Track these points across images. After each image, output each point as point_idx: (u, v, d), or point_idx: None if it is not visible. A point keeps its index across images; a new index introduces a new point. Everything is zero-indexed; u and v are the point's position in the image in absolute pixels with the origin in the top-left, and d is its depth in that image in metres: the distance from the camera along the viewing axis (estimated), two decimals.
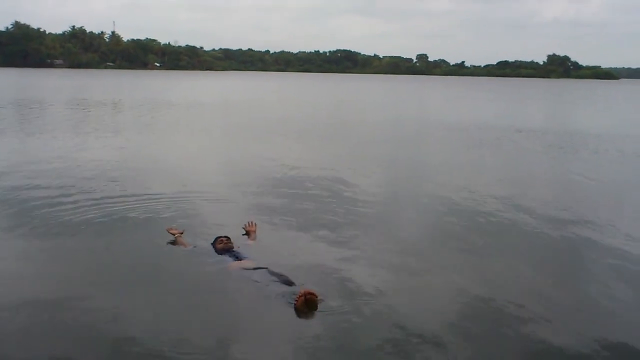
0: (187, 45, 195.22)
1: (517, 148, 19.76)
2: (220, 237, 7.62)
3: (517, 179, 13.94)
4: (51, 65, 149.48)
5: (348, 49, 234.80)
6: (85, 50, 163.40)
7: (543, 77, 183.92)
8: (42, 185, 11.34)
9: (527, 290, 6.75)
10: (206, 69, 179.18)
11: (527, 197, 11.77)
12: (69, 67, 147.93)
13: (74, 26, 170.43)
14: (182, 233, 7.95)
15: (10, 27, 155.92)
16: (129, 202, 10.22)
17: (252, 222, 8.50)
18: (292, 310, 5.80)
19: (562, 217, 10.07)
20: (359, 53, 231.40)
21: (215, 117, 29.93)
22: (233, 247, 7.43)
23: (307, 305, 5.80)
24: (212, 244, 7.60)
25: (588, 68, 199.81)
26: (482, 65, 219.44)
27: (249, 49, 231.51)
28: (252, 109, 35.45)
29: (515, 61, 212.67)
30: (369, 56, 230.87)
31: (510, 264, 7.77)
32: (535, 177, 14.38)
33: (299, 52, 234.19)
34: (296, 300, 5.81)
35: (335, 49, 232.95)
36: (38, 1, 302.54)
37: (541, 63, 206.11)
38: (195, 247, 7.67)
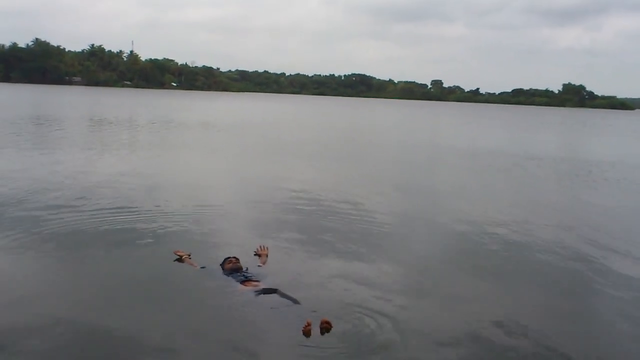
0: (203, 65, 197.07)
1: (529, 175, 19.67)
2: (230, 257, 7.62)
3: (529, 205, 13.86)
4: (69, 83, 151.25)
5: (363, 72, 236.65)
6: (104, 68, 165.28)
7: (558, 106, 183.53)
8: (55, 200, 11.41)
9: (537, 316, 6.72)
10: (222, 90, 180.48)
11: (538, 223, 11.70)
12: (86, 85, 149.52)
13: (93, 44, 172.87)
14: (189, 255, 7.96)
15: (30, 44, 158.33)
16: (140, 219, 10.27)
17: (264, 246, 8.50)
18: (301, 334, 5.77)
19: (574, 244, 10.03)
20: (374, 77, 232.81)
21: (229, 138, 30.06)
22: (242, 268, 7.42)
23: (321, 333, 5.81)
24: (221, 264, 7.60)
25: (603, 98, 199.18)
26: (497, 93, 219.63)
27: (264, 71, 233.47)
28: (266, 130, 35.58)
29: (530, 89, 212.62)
30: (384, 81, 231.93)
31: (521, 289, 7.75)
32: (547, 204, 14.26)
33: (314, 75, 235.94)
34: (305, 327, 5.78)
35: (350, 73, 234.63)
36: (58, 19, 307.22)
37: (556, 92, 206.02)
38: (203, 267, 7.67)
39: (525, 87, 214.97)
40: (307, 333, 5.76)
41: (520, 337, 6.14)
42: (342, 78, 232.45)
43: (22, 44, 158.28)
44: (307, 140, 30.38)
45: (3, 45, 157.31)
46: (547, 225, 11.56)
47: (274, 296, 6.55)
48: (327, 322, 5.87)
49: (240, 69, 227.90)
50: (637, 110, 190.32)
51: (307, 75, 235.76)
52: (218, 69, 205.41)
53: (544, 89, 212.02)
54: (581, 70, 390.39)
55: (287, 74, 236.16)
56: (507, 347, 5.94)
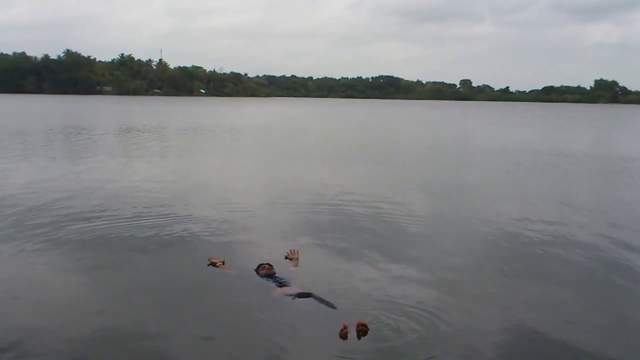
0: (231, 72, 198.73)
1: (563, 173, 19.35)
2: (263, 263, 7.60)
3: (563, 203, 13.55)
4: (100, 92, 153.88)
5: (390, 74, 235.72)
6: (133, 77, 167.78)
7: (590, 102, 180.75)
8: (88, 207, 11.51)
9: (572, 320, 6.56)
10: (250, 95, 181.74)
11: (574, 222, 11.43)
12: (117, 94, 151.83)
13: (122, 54, 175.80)
14: (223, 262, 7.96)
15: (61, 55, 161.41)
16: (172, 225, 10.33)
17: (294, 250, 8.46)
18: (338, 337, 5.71)
19: (611, 245, 9.73)
20: (402, 78, 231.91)
21: (257, 142, 30.13)
22: (275, 273, 7.38)
23: (357, 337, 5.75)
24: (255, 270, 7.57)
25: (637, 93, 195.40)
26: (527, 91, 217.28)
27: (292, 75, 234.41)
28: (294, 135, 35.62)
29: (561, 86, 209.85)
30: (412, 82, 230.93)
31: (557, 291, 7.55)
32: (582, 203, 13.93)
33: (342, 78, 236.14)
34: (341, 330, 5.72)
35: (377, 75, 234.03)
36: (88, 30, 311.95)
37: (588, 88, 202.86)
38: (238, 273, 7.64)
39: (557, 85, 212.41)
40: (343, 336, 5.72)
41: (557, 342, 5.98)
42: (370, 80, 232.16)
43: (53, 55, 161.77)
44: (336, 143, 30.33)
45: (35, 57, 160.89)
46: (582, 225, 11.28)
47: (309, 300, 6.51)
48: (364, 325, 5.82)
49: (267, 74, 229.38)
50: None
51: (335, 79, 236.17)
52: (246, 74, 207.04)
53: (576, 85, 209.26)
54: (613, 65, 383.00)
55: (314, 78, 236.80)
56: (544, 351, 5.80)
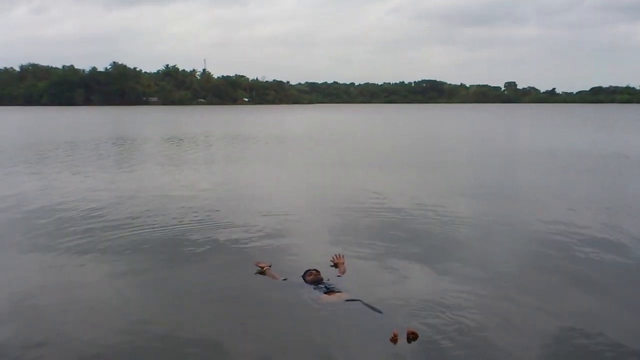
0: (274, 80, 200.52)
1: (613, 175, 18.84)
2: (310, 269, 7.59)
3: (615, 207, 13.17)
4: (146, 103, 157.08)
5: (433, 78, 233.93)
6: (178, 87, 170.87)
7: None
8: (137, 215, 11.71)
9: (623, 329, 6.32)
10: (293, 103, 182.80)
11: (621, 227, 11.02)
12: (162, 104, 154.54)
13: (167, 65, 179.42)
14: (270, 266, 7.98)
15: (108, 67, 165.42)
16: (218, 231, 10.45)
17: (340, 255, 8.44)
18: (387, 343, 5.67)
19: None
20: (445, 82, 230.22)
21: (302, 150, 30.21)
22: (323, 280, 7.37)
23: (408, 342, 5.71)
24: (302, 276, 7.56)
25: None
26: (574, 92, 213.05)
27: (334, 81, 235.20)
28: (337, 140, 35.63)
29: (610, 87, 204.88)
30: (456, 85, 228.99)
31: (604, 298, 7.32)
32: (631, 207, 13.47)
33: (384, 83, 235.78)
34: (392, 337, 5.69)
35: (420, 79, 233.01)
36: (134, 42, 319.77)
37: (638, 88, 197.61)
38: (285, 279, 7.65)
39: (605, 85, 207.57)
40: (394, 343, 5.65)
41: (605, 352, 5.80)
42: (412, 85, 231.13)
43: (100, 67, 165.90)
44: (379, 148, 30.19)
45: (83, 70, 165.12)
46: (632, 231, 10.82)
47: (358, 306, 6.46)
48: (414, 333, 5.77)
49: (309, 81, 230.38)
50: None
51: (377, 84, 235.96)
52: (288, 82, 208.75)
53: (625, 85, 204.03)
54: None
55: (356, 84, 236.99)
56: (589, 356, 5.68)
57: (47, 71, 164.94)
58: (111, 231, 10.48)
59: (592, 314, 6.68)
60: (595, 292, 7.47)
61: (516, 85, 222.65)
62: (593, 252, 9.26)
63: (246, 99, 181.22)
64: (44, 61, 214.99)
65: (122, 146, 30.77)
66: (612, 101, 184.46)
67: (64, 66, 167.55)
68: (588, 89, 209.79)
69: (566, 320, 6.47)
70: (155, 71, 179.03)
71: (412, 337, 5.75)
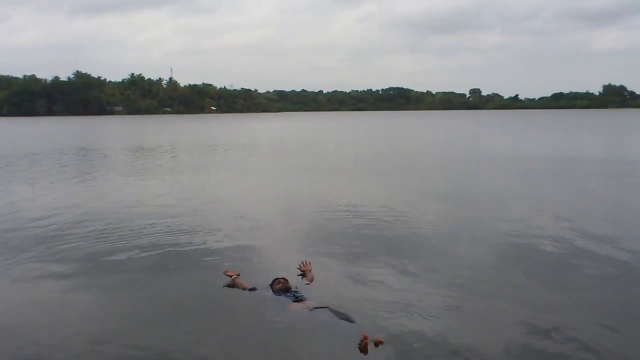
0: (242, 88, 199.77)
1: (575, 178, 19.26)
2: (278, 278, 7.55)
3: (577, 209, 13.43)
4: (111, 112, 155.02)
5: (400, 86, 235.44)
6: (144, 96, 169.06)
7: (600, 107, 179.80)
8: (101, 227, 11.53)
9: (589, 324, 6.48)
10: (261, 111, 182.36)
11: (585, 227, 11.30)
12: (128, 114, 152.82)
13: (132, 74, 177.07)
14: (238, 275, 7.92)
15: (71, 76, 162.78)
16: (186, 240, 10.37)
17: (307, 262, 8.41)
18: (356, 350, 5.67)
19: (626, 247, 9.65)
20: (412, 90, 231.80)
21: (270, 158, 30.20)
22: (291, 288, 7.34)
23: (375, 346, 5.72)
24: (270, 285, 7.52)
25: None
26: (537, 98, 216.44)
27: (302, 89, 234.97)
28: (306, 148, 35.67)
29: (570, 92, 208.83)
30: (422, 92, 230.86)
31: (567, 296, 7.51)
32: (593, 208, 13.85)
33: (352, 91, 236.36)
34: (361, 342, 5.68)
35: (387, 87, 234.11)
36: (98, 51, 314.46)
37: (597, 94, 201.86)
38: (253, 288, 7.60)
39: (565, 91, 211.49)
40: (363, 348, 5.67)
41: (572, 347, 5.93)
42: (380, 92, 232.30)
43: (63, 77, 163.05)
44: (347, 156, 30.32)
45: (45, 80, 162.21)
46: (595, 231, 11.11)
47: (326, 313, 6.44)
48: (380, 342, 5.78)
49: (277, 89, 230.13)
50: None
51: (345, 92, 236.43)
52: (256, 90, 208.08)
53: (585, 91, 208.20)
54: (621, 70, 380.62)
55: (324, 92, 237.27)
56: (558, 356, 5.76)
57: (7, 81, 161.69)
58: (74, 244, 10.30)
59: (556, 314, 6.75)
60: (559, 292, 7.59)
61: (481, 92, 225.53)
62: (556, 253, 9.46)
63: (214, 108, 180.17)
64: (4, 71, 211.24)
65: (85, 157, 30.34)
66: (573, 107, 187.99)
67: (24, 76, 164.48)
68: (549, 94, 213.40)
69: (531, 320, 6.54)
70: (120, 80, 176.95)
71: (377, 342, 5.75)
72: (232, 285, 7.78)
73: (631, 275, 8.32)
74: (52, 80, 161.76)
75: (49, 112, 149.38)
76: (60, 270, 8.80)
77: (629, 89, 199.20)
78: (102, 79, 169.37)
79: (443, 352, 5.77)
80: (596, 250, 9.58)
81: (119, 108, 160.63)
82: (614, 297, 7.49)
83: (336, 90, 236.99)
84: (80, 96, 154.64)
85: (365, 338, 5.66)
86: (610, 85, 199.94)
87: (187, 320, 6.77)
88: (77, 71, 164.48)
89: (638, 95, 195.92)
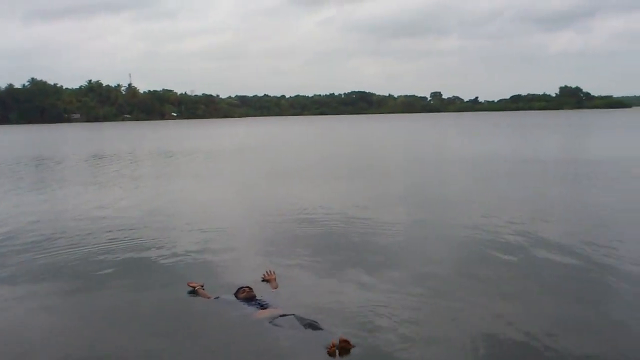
0: (203, 94, 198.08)
1: (534, 179, 19.57)
2: (243, 287, 7.49)
3: (535, 209, 13.70)
4: (68, 120, 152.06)
5: (363, 90, 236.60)
6: (102, 103, 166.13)
7: (556, 109, 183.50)
8: (60, 236, 11.30)
9: (548, 322, 6.64)
10: (223, 117, 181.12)
11: (546, 227, 11.62)
12: (86, 121, 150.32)
13: (90, 80, 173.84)
14: (202, 286, 7.83)
15: (26, 84, 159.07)
16: (149, 249, 10.24)
17: (271, 271, 8.35)
18: (325, 356, 5.67)
19: (586, 247, 9.88)
20: (374, 93, 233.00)
21: (231, 164, 30.02)
22: (256, 296, 7.27)
23: (341, 353, 5.69)
24: (234, 294, 7.45)
25: (600, 98, 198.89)
26: (496, 100, 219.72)
27: (264, 94, 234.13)
28: (269, 154, 35.58)
29: (528, 94, 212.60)
30: (384, 96, 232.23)
31: (531, 295, 7.68)
32: (553, 206, 14.22)
33: (315, 95, 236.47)
34: (330, 348, 5.68)
35: (350, 91, 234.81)
36: (55, 57, 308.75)
37: (553, 95, 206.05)
38: (217, 297, 7.51)
39: (523, 93, 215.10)
40: (332, 354, 5.67)
41: (532, 344, 6.04)
42: (343, 96, 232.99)
43: (18, 84, 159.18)
44: (311, 161, 30.29)
45: None
46: (557, 229, 11.45)
47: (292, 321, 6.39)
48: (345, 341, 5.76)
49: (239, 94, 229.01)
50: (634, 108, 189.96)
51: (307, 96, 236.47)
52: (218, 95, 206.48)
53: (542, 93, 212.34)
54: (577, 72, 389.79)
55: (287, 96, 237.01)
56: (518, 354, 5.89)
57: None
58: (32, 254, 10.10)
59: (515, 316, 6.83)
60: (516, 294, 7.70)
61: (441, 95, 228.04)
62: (514, 254, 9.61)
63: (174, 114, 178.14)
64: None
65: (41, 166, 29.70)
66: (531, 108, 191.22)
67: None
68: (508, 97, 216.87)
69: (491, 322, 6.64)
70: (78, 87, 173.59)
71: (343, 345, 5.73)
72: (195, 295, 7.68)
73: (585, 276, 8.49)
74: (6, 87, 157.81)
75: (4, 120, 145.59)
76: (15, 280, 8.64)
77: (584, 90, 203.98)
78: (58, 85, 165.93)
79: (410, 355, 5.79)
80: (552, 251, 9.78)
81: (77, 115, 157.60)
82: (567, 299, 7.62)
83: (299, 95, 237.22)
84: (36, 104, 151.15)
85: (334, 346, 5.67)
86: (566, 86, 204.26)
87: (150, 330, 6.67)
88: (33, 78, 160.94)
89: (593, 96, 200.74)
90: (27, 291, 8.23)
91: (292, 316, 6.52)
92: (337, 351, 5.67)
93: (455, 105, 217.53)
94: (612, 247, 9.87)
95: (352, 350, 5.75)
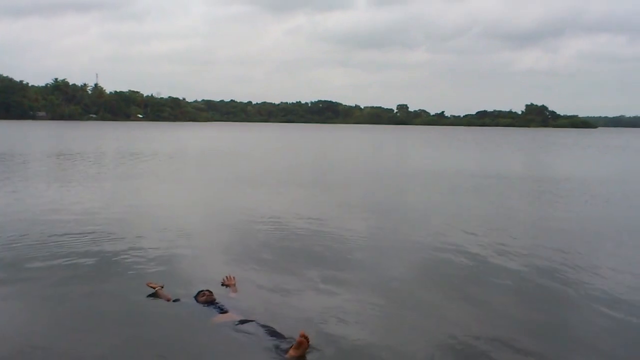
0: (169, 96, 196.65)
1: (496, 194, 19.86)
2: (203, 290, 7.47)
3: (497, 223, 13.95)
4: (34, 118, 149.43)
5: (329, 99, 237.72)
6: (68, 102, 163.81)
7: (522, 126, 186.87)
8: (19, 235, 11.08)
9: (509, 329, 6.83)
10: (189, 120, 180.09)
11: (508, 240, 11.83)
12: (51, 119, 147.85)
13: (56, 79, 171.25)
14: (162, 287, 7.78)
15: None
16: (108, 252, 10.06)
17: (231, 276, 8.35)
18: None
19: (543, 259, 10.19)
20: (341, 103, 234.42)
21: (195, 168, 29.89)
22: (216, 300, 7.27)
23: (298, 349, 5.71)
24: (194, 297, 7.43)
25: (566, 117, 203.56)
26: (462, 115, 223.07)
27: (231, 100, 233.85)
28: (234, 159, 35.43)
29: (494, 111, 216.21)
30: (351, 106, 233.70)
31: (493, 304, 7.83)
32: (515, 221, 14.51)
33: (281, 102, 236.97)
34: (300, 337, 5.75)
35: (317, 100, 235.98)
36: (20, 55, 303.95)
37: (519, 112, 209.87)
38: (177, 300, 7.48)
39: (490, 109, 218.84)
40: (301, 344, 5.72)
41: (494, 352, 6.15)
42: (309, 105, 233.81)
43: None
44: (275, 168, 30.27)
45: None
46: (517, 243, 11.65)
47: (252, 327, 6.42)
48: (304, 336, 5.77)
49: (206, 98, 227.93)
50: (599, 129, 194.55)
51: (274, 103, 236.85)
52: (184, 99, 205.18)
53: (508, 110, 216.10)
54: (543, 90, 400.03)
55: (254, 102, 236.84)
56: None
57: None
58: None
59: (474, 322, 6.98)
60: (477, 304, 7.82)
61: (408, 107, 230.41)
62: (472, 265, 9.81)
63: (140, 115, 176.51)
64: None
65: (5, 162, 29.10)
66: (497, 124, 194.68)
67: None
68: (474, 112, 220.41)
69: (449, 328, 6.76)
70: (44, 85, 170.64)
71: (300, 340, 5.74)
72: (155, 296, 7.65)
73: (543, 283, 8.76)
74: None
75: None
76: None
77: (550, 109, 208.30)
78: (24, 83, 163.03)
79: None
80: (511, 260, 10.08)
81: (42, 113, 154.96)
82: (526, 305, 7.85)
83: (265, 102, 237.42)
84: (2, 100, 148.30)
85: (302, 336, 5.72)
86: (532, 104, 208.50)
87: (106, 332, 6.58)
88: None
89: (559, 115, 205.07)
90: None
91: (252, 322, 6.54)
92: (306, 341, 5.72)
93: (421, 118, 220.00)
94: (570, 258, 10.20)
95: (307, 356, 5.78)
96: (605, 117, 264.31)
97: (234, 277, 8.34)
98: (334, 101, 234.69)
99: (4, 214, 13.69)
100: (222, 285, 8.18)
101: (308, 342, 5.76)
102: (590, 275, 9.25)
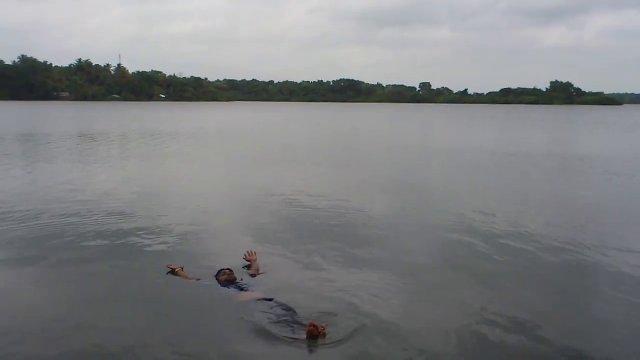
0: (191, 76, 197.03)
1: (520, 172, 19.67)
2: (223, 269, 7.52)
3: (520, 202, 13.86)
4: (57, 98, 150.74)
5: (351, 78, 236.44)
6: (91, 82, 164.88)
7: (546, 103, 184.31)
8: (46, 215, 11.22)
9: (531, 313, 6.69)
10: (211, 100, 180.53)
11: (530, 220, 11.68)
12: (74, 100, 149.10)
13: (80, 59, 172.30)
14: (182, 268, 7.84)
15: (16, 60, 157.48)
16: (131, 231, 10.15)
17: (252, 251, 8.40)
18: (301, 342, 5.73)
19: (566, 240, 9.97)
20: (362, 82, 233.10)
21: (218, 147, 29.99)
22: (236, 279, 7.32)
23: (310, 337, 5.73)
24: (215, 276, 7.49)
25: (591, 94, 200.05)
26: (485, 93, 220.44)
27: (253, 79, 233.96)
28: (256, 138, 35.46)
29: (518, 88, 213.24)
30: (372, 85, 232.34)
31: (515, 286, 7.74)
32: (538, 201, 14.36)
33: (303, 81, 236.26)
34: (308, 326, 5.75)
35: (338, 78, 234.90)
36: (44, 35, 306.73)
37: (544, 90, 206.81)
38: (198, 279, 7.55)
39: (513, 87, 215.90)
40: (312, 332, 5.72)
41: (515, 334, 6.11)
42: (331, 84, 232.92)
43: (8, 61, 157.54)
44: (297, 146, 30.30)
45: None
46: (538, 222, 11.51)
47: (271, 305, 6.46)
48: (313, 325, 5.76)
49: (228, 78, 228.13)
50: (624, 105, 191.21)
51: (296, 82, 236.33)
52: (206, 78, 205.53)
53: (532, 87, 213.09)
54: (568, 67, 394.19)
55: (275, 82, 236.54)
56: (502, 345, 5.92)
57: None
58: (15, 230, 10.03)
59: (498, 307, 6.88)
60: (501, 286, 7.75)
61: (430, 85, 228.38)
62: (500, 246, 9.63)
63: (163, 95, 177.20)
64: None
65: (29, 143, 29.48)
66: (520, 102, 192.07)
67: None
68: (498, 90, 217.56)
69: (474, 312, 6.67)
70: (67, 65, 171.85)
71: (310, 329, 5.73)
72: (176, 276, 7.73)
73: (569, 269, 8.57)
74: None
75: None
76: (2, 255, 8.61)
77: (575, 85, 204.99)
78: (48, 63, 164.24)
79: (389, 343, 5.85)
80: (535, 243, 9.83)
81: (66, 94, 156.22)
82: (551, 292, 7.71)
83: (287, 81, 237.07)
84: (26, 81, 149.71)
85: (312, 324, 5.71)
86: (557, 81, 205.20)
87: (129, 311, 6.68)
88: (23, 55, 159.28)
89: (583, 92, 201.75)
90: (13, 264, 8.26)
91: (271, 300, 6.58)
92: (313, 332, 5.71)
93: (443, 96, 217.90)
94: (596, 241, 9.98)
95: (328, 336, 5.80)
96: (632, 94, 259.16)
97: (254, 253, 8.38)
98: (355, 79, 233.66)
99: (28, 193, 13.88)
100: (244, 259, 8.25)
101: (318, 330, 5.75)
102: (614, 257, 9.08)
